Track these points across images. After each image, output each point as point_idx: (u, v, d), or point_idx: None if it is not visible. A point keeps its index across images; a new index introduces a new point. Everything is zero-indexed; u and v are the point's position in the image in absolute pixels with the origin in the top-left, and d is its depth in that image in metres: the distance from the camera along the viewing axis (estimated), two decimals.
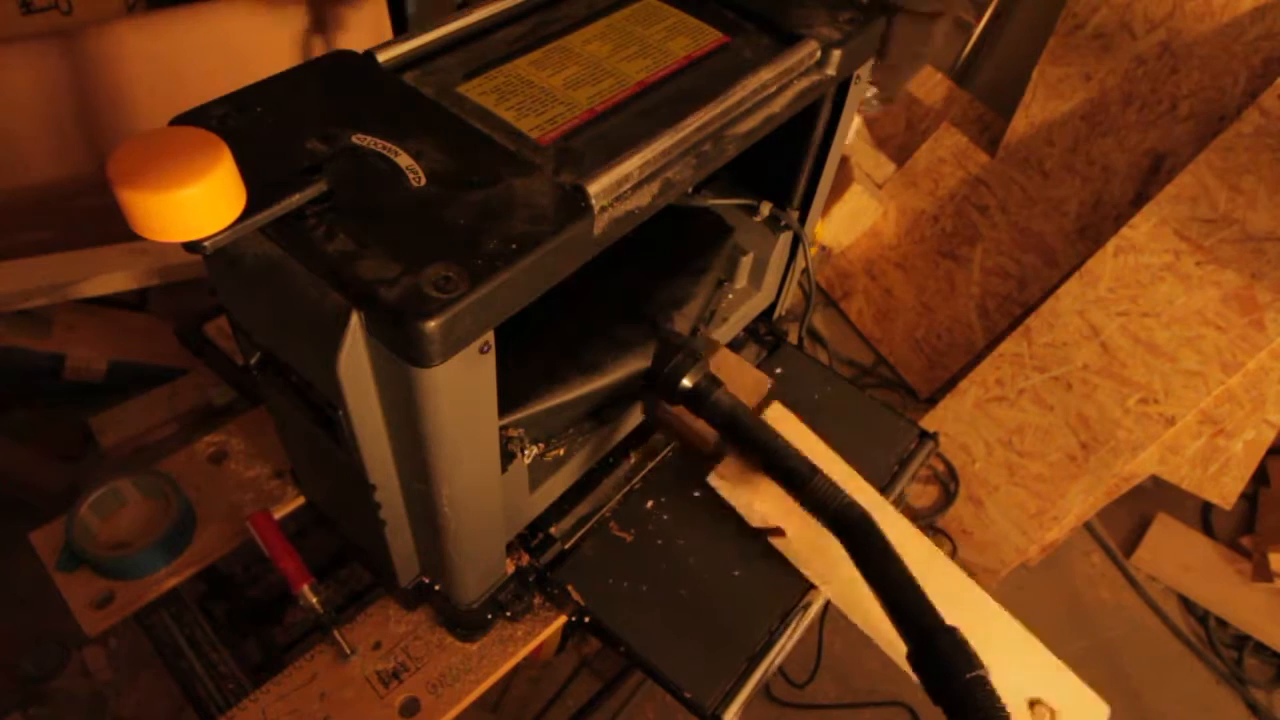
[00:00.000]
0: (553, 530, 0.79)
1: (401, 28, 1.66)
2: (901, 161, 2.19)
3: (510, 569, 0.77)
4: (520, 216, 0.50)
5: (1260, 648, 1.66)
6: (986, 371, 1.78)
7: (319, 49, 1.61)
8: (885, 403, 0.99)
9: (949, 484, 1.78)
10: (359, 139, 0.54)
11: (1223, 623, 1.69)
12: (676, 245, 0.86)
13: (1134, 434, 1.59)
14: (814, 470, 0.68)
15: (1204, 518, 1.85)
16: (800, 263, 0.92)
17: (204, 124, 0.52)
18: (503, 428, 0.68)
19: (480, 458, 0.59)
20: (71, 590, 0.78)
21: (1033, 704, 0.72)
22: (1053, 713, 0.71)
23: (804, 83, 0.68)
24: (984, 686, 0.54)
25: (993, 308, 1.96)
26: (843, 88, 0.75)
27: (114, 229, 1.27)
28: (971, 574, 1.75)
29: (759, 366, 0.98)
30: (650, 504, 0.83)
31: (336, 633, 0.75)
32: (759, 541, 0.81)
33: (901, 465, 0.91)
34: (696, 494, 0.84)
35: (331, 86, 0.58)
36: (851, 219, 2.15)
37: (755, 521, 0.78)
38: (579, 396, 0.73)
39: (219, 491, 0.86)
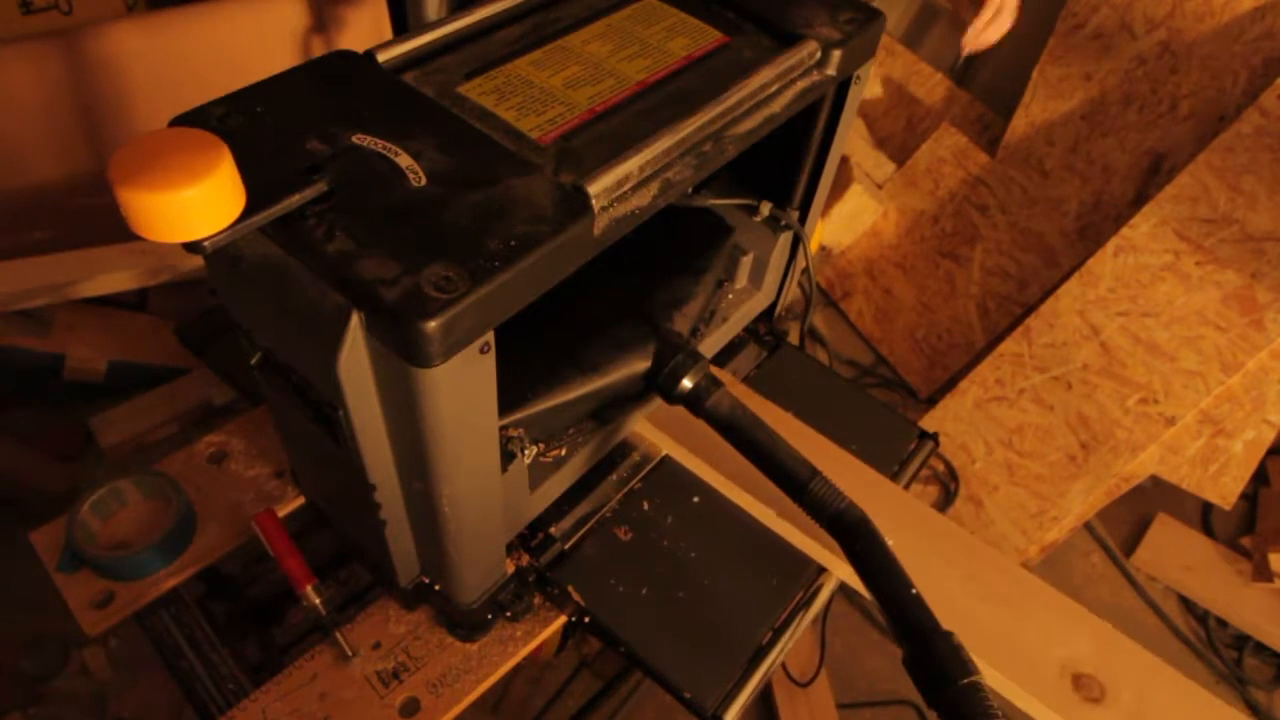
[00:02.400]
0: (553, 530, 0.79)
1: (402, 28, 1.66)
2: (901, 161, 2.19)
3: (510, 569, 0.77)
4: (520, 216, 0.50)
5: (1260, 648, 1.66)
6: (986, 371, 1.78)
7: (319, 49, 1.61)
8: (885, 403, 0.99)
9: (949, 484, 1.78)
10: (359, 139, 0.54)
11: (1223, 623, 1.69)
12: (676, 245, 0.86)
13: (1134, 434, 1.59)
14: (813, 473, 0.68)
15: (1204, 518, 1.85)
16: (800, 263, 0.92)
17: (204, 124, 0.52)
18: (503, 428, 0.68)
19: (480, 458, 0.59)
20: (71, 590, 0.78)
21: (1077, 678, 0.71)
22: (1102, 686, 0.70)
23: (804, 83, 0.68)
24: (979, 693, 0.54)
25: (993, 308, 1.96)
26: (843, 88, 0.75)
27: (114, 229, 1.27)
28: None
29: (759, 366, 0.98)
30: (650, 504, 0.83)
31: (338, 634, 0.75)
32: (759, 541, 0.81)
33: (901, 465, 0.91)
34: (696, 498, 0.84)
35: (331, 86, 0.58)
36: (851, 219, 2.15)
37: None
38: (579, 397, 0.73)
39: (219, 491, 0.86)
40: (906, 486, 0.89)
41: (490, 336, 0.50)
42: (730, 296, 0.92)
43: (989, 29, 1.08)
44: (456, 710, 0.74)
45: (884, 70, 2.30)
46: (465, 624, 0.76)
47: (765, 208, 0.86)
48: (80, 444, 1.64)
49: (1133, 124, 1.77)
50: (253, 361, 0.61)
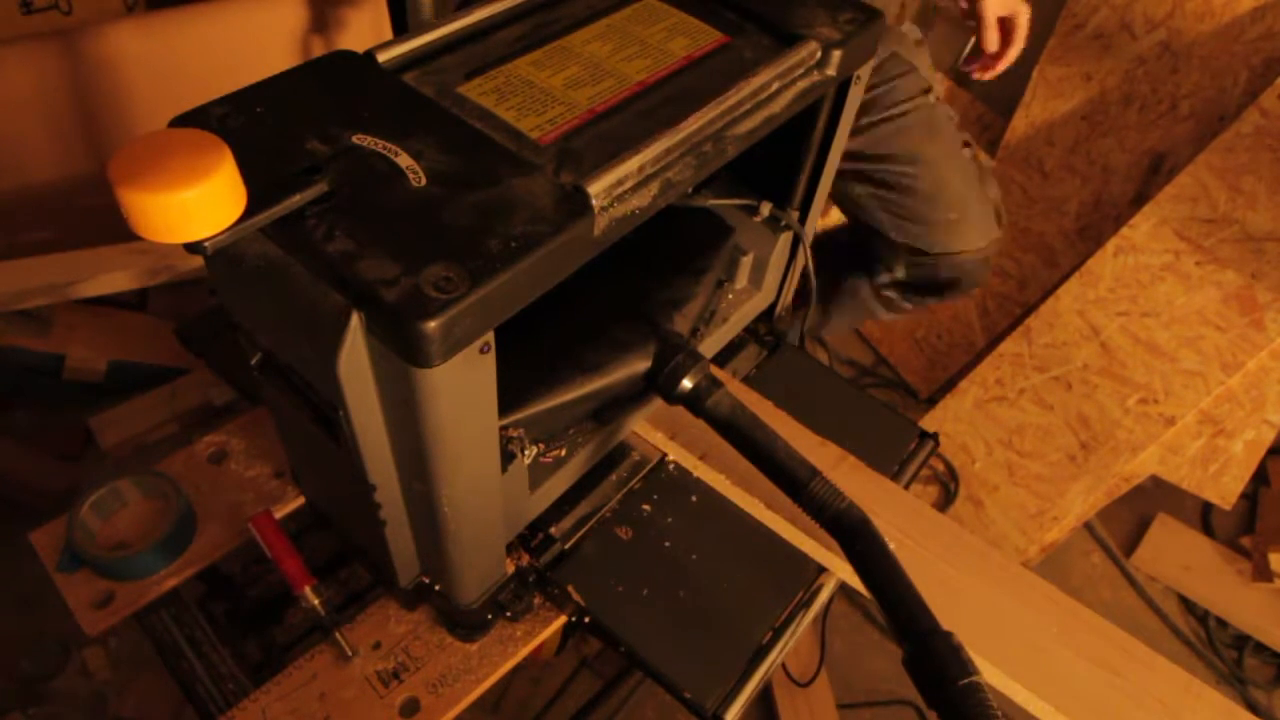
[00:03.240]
0: (553, 530, 0.80)
1: (401, 28, 1.66)
2: None
3: (510, 569, 0.77)
4: (520, 216, 0.50)
5: (1260, 648, 1.66)
6: (986, 371, 1.78)
7: (319, 49, 1.61)
8: (885, 403, 0.99)
9: (949, 484, 1.78)
10: (359, 139, 0.54)
11: (1223, 623, 1.69)
12: (676, 245, 0.86)
13: (1134, 434, 1.59)
14: (813, 473, 0.68)
15: (1204, 518, 1.85)
16: (800, 262, 0.92)
17: (204, 124, 0.52)
18: (503, 428, 0.68)
19: (480, 458, 0.59)
20: (72, 590, 0.78)
21: None
22: None
23: (804, 83, 0.68)
24: (978, 692, 0.54)
25: (993, 308, 1.96)
26: (843, 88, 0.75)
27: (114, 229, 1.27)
28: None
29: (759, 366, 0.98)
30: (650, 504, 0.83)
31: (338, 634, 0.75)
32: (759, 541, 0.81)
33: (901, 465, 0.91)
34: (696, 498, 0.84)
35: (331, 86, 0.58)
36: None
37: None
38: (579, 397, 0.73)
39: (219, 491, 0.86)
40: (906, 486, 0.89)
41: (490, 337, 0.50)
42: (730, 296, 0.92)
43: (1004, 59, 1.13)
44: (456, 710, 0.74)
45: None
46: (465, 624, 0.76)
47: (765, 208, 0.86)
48: (80, 444, 1.64)
49: (1133, 124, 1.77)
50: (253, 362, 0.61)
